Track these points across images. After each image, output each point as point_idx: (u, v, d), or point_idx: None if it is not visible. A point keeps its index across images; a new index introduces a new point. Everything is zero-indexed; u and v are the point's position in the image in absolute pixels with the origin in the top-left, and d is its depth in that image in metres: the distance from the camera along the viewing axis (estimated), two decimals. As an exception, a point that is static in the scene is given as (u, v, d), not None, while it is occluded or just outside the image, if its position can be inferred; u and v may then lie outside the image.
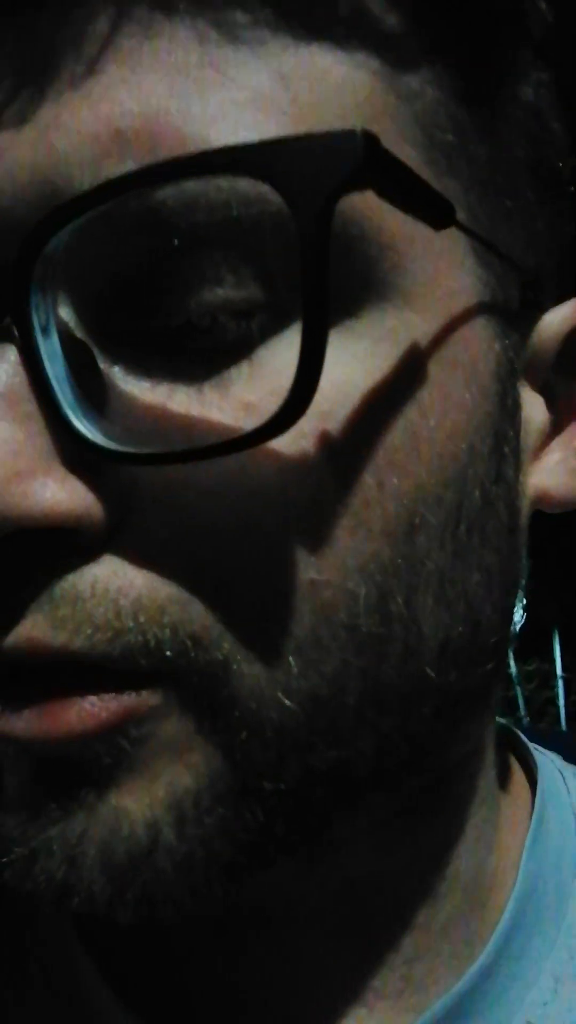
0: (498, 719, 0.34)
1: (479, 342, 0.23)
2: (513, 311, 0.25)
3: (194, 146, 0.20)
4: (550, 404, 0.27)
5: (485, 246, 0.23)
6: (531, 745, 0.34)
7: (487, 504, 0.24)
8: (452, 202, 0.22)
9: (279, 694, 0.21)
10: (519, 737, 0.34)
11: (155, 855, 0.21)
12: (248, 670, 0.21)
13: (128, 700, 0.21)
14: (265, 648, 0.21)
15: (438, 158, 0.23)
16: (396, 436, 0.21)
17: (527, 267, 0.25)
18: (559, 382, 0.27)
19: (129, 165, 0.20)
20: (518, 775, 0.33)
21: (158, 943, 0.28)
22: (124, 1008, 0.28)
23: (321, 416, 0.20)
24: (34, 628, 0.20)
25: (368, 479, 0.21)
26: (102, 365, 0.21)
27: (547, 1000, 0.28)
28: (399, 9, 0.22)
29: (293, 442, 0.20)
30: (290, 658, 0.21)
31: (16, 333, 0.20)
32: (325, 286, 0.19)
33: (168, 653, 0.20)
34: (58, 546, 0.20)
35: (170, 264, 0.20)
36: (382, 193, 0.19)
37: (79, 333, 0.21)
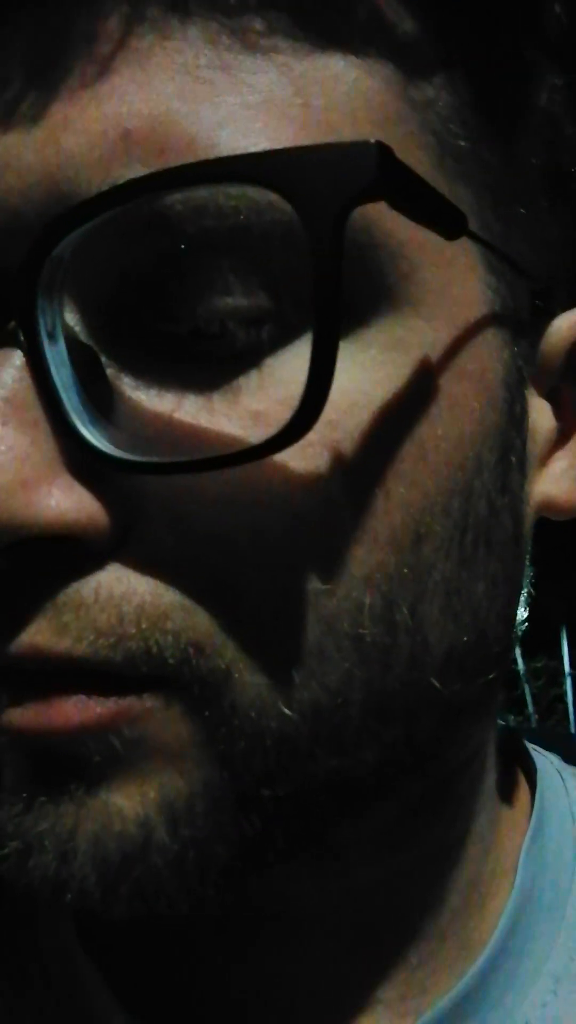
0: (499, 720, 0.34)
1: (488, 351, 0.23)
2: (523, 319, 0.25)
3: (203, 149, 0.19)
4: (557, 411, 0.26)
5: (496, 254, 0.23)
6: (531, 747, 0.34)
7: (493, 514, 0.23)
8: (463, 209, 0.22)
9: (280, 704, 0.21)
10: (519, 739, 0.34)
11: (148, 852, 0.21)
12: (250, 679, 0.21)
13: (125, 701, 0.21)
14: (268, 657, 0.21)
15: (450, 164, 0.22)
16: (404, 446, 0.21)
17: (538, 274, 0.25)
18: (566, 389, 0.27)
19: (137, 168, 0.19)
20: (518, 777, 0.33)
21: (159, 944, 0.28)
22: (124, 1009, 0.28)
23: (329, 425, 0.20)
24: (37, 634, 0.20)
25: (375, 489, 0.21)
26: (109, 371, 0.21)
27: (547, 1001, 0.28)
28: (415, 16, 0.22)
29: (300, 451, 0.20)
30: (293, 668, 0.21)
31: (22, 338, 0.20)
32: (337, 298, 0.18)
33: (170, 660, 0.20)
34: (63, 553, 0.20)
35: (178, 269, 0.20)
36: (395, 204, 0.19)
37: (86, 338, 0.21)
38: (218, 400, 0.20)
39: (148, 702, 0.21)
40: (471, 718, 0.26)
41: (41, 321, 0.20)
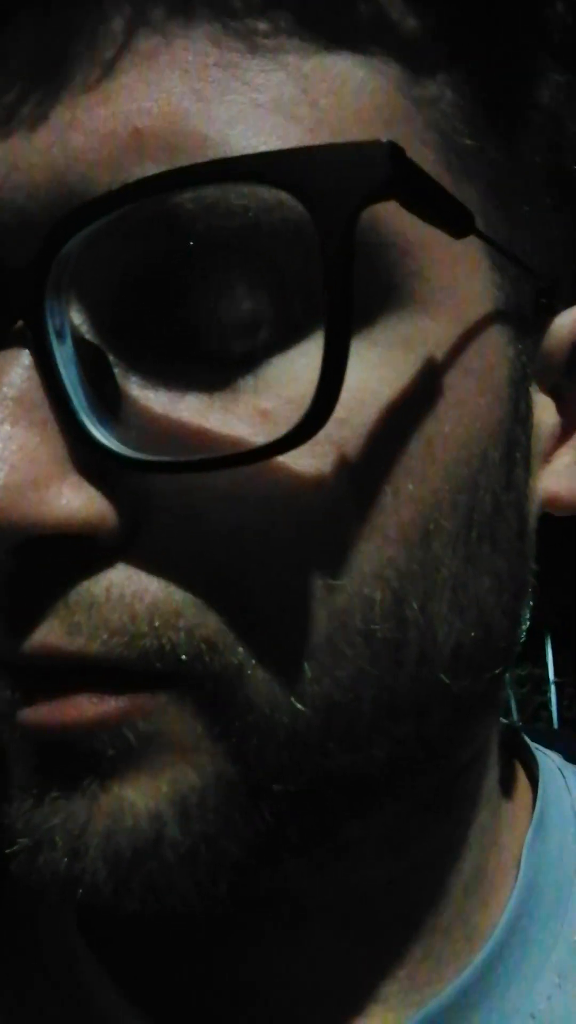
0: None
1: (494, 348, 0.23)
2: (527, 316, 0.25)
3: (214, 148, 0.19)
4: (560, 407, 0.27)
5: (501, 252, 0.23)
6: (532, 745, 0.34)
7: (498, 510, 0.23)
8: (469, 207, 0.22)
9: (292, 699, 0.21)
10: (521, 737, 0.34)
11: (159, 847, 0.21)
12: (262, 675, 0.21)
13: (139, 697, 0.21)
14: (280, 653, 0.21)
15: (456, 163, 0.22)
16: (411, 443, 0.21)
17: (542, 272, 0.25)
18: (569, 385, 0.27)
19: (148, 166, 0.19)
20: (519, 774, 0.33)
21: (163, 939, 0.28)
22: (129, 1004, 0.28)
23: (337, 423, 0.20)
24: (50, 633, 0.20)
25: (384, 485, 0.21)
26: (116, 370, 0.21)
27: (551, 994, 0.28)
28: (419, 15, 0.22)
29: (309, 449, 0.20)
30: (305, 663, 0.21)
31: (30, 337, 0.20)
32: (349, 298, 0.18)
33: (183, 657, 0.20)
34: (73, 552, 0.20)
35: (186, 267, 0.20)
36: (405, 203, 0.19)
37: (93, 337, 0.21)
38: (226, 399, 0.20)
39: (161, 697, 0.21)
40: (478, 713, 0.26)
41: (49, 320, 0.19)
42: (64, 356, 0.20)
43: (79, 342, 0.20)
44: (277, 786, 0.21)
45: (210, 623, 0.20)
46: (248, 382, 0.20)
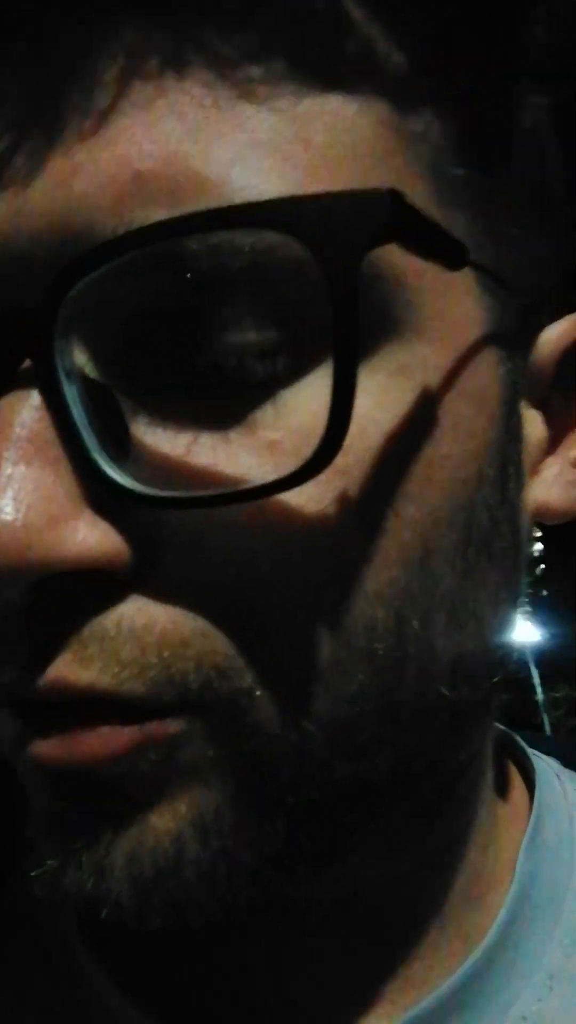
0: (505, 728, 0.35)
1: (486, 369, 0.24)
2: (516, 334, 0.25)
3: (215, 189, 0.20)
4: (548, 419, 0.27)
5: (491, 276, 0.24)
6: (529, 750, 0.35)
7: (494, 525, 0.24)
8: (460, 235, 0.22)
9: (300, 719, 0.21)
10: (518, 742, 0.35)
11: (180, 866, 0.21)
12: (271, 698, 0.21)
13: (150, 727, 0.21)
14: (287, 676, 0.21)
15: (446, 192, 0.23)
16: (411, 466, 0.22)
17: (528, 290, 0.26)
18: (556, 397, 0.27)
19: (151, 209, 0.20)
20: (516, 778, 0.34)
21: (163, 940, 0.29)
22: (130, 1005, 0.29)
23: (342, 452, 0.20)
24: (62, 667, 0.21)
25: (385, 509, 0.22)
26: (125, 407, 0.21)
27: (542, 996, 0.28)
28: (404, 49, 0.22)
29: (316, 479, 0.20)
30: (311, 685, 0.21)
31: (40, 377, 0.20)
32: (355, 337, 0.19)
33: (192, 686, 0.21)
34: (87, 587, 0.21)
35: (192, 307, 0.20)
36: (405, 245, 0.20)
37: (101, 376, 0.21)
38: (234, 433, 0.21)
39: (173, 725, 0.21)
40: (476, 721, 0.27)
41: (58, 361, 0.20)
42: (73, 395, 0.20)
43: (87, 381, 0.21)
44: (289, 799, 0.22)
45: (219, 651, 0.21)
46: (256, 414, 0.21)
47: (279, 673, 0.21)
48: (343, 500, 0.21)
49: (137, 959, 0.29)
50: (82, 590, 0.21)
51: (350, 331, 0.19)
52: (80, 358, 0.21)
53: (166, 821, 0.21)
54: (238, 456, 0.21)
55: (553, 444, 0.27)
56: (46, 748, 0.21)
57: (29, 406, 0.20)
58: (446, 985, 0.27)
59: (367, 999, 0.28)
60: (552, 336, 0.27)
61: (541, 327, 0.27)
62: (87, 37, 0.21)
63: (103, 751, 0.21)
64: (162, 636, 0.21)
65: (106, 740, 0.21)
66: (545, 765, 0.34)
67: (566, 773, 0.34)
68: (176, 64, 0.21)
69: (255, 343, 0.20)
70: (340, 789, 0.23)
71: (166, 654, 0.21)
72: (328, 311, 0.19)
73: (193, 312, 0.20)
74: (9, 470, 0.20)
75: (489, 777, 0.31)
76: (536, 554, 0.29)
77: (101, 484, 0.20)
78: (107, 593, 0.21)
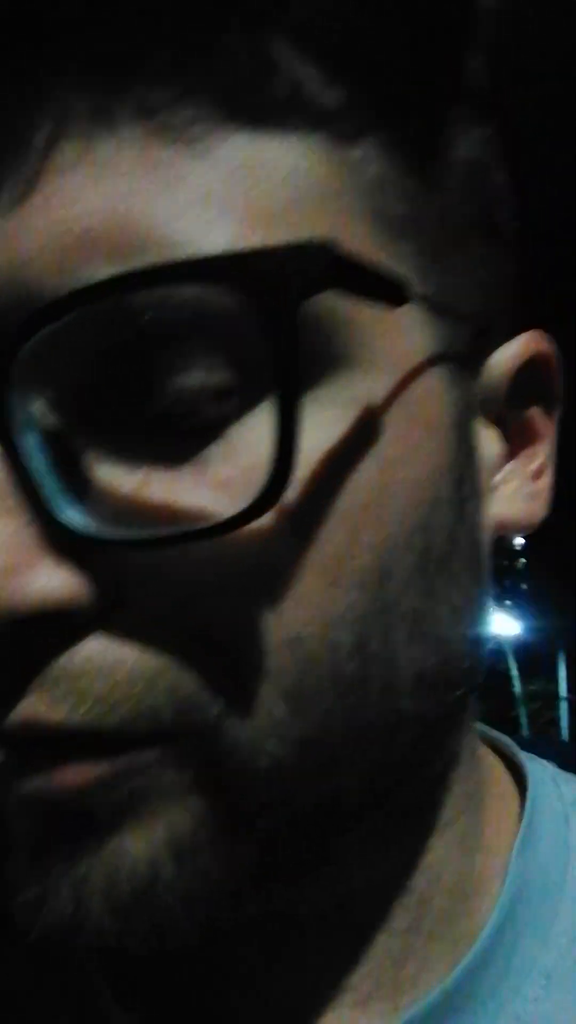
0: (493, 732, 0.36)
1: (435, 395, 0.25)
2: (465, 358, 0.26)
3: (158, 244, 0.21)
4: (503, 435, 0.28)
5: (437, 306, 0.25)
6: (523, 753, 0.35)
7: (452, 543, 0.25)
8: (403, 267, 0.23)
9: (270, 743, 0.22)
10: (510, 746, 0.35)
11: (157, 888, 0.22)
12: (240, 725, 0.22)
13: (124, 760, 0.22)
14: (255, 703, 0.22)
15: (388, 226, 0.24)
16: (364, 494, 0.23)
17: (477, 315, 0.26)
18: (511, 413, 0.28)
19: (97, 265, 0.20)
20: (506, 783, 0.34)
21: (158, 956, 0.29)
22: (121, 1010, 0.29)
23: (295, 484, 0.21)
24: (33, 706, 0.21)
25: (341, 537, 0.22)
26: (82, 454, 0.22)
27: (537, 997, 0.28)
28: (335, 85, 0.23)
29: (271, 513, 0.21)
30: (279, 708, 0.22)
31: None
32: (296, 380, 0.20)
33: (165, 718, 0.22)
34: (52, 628, 0.21)
35: (142, 354, 0.21)
36: (342, 291, 0.21)
37: (57, 423, 0.22)
38: (188, 472, 0.22)
39: (147, 755, 0.22)
40: (444, 733, 0.27)
41: (13, 415, 0.21)
42: (31, 445, 0.21)
43: (44, 430, 0.21)
44: (261, 820, 0.23)
45: (188, 683, 0.22)
46: (209, 455, 0.22)
47: (247, 700, 0.22)
48: (300, 531, 0.22)
49: (128, 966, 0.30)
50: (48, 631, 0.21)
51: (290, 374, 0.20)
52: (38, 407, 0.22)
53: (142, 845, 0.22)
54: (191, 495, 0.21)
55: (511, 459, 0.28)
56: (27, 784, 0.22)
57: None
58: (440, 987, 0.28)
59: (360, 1004, 0.28)
60: (504, 356, 0.27)
61: (492, 348, 0.27)
62: (18, 99, 0.21)
63: (79, 783, 0.22)
64: (131, 672, 0.21)
65: (82, 773, 0.22)
66: (540, 767, 0.34)
67: (563, 775, 0.35)
68: (105, 120, 0.21)
69: (205, 386, 0.21)
70: (311, 808, 0.23)
71: (137, 689, 0.21)
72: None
73: (143, 360, 0.21)
74: None
75: (473, 783, 0.31)
76: (516, 548, 0.29)
77: (61, 530, 0.21)
78: (73, 633, 0.22)
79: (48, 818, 0.22)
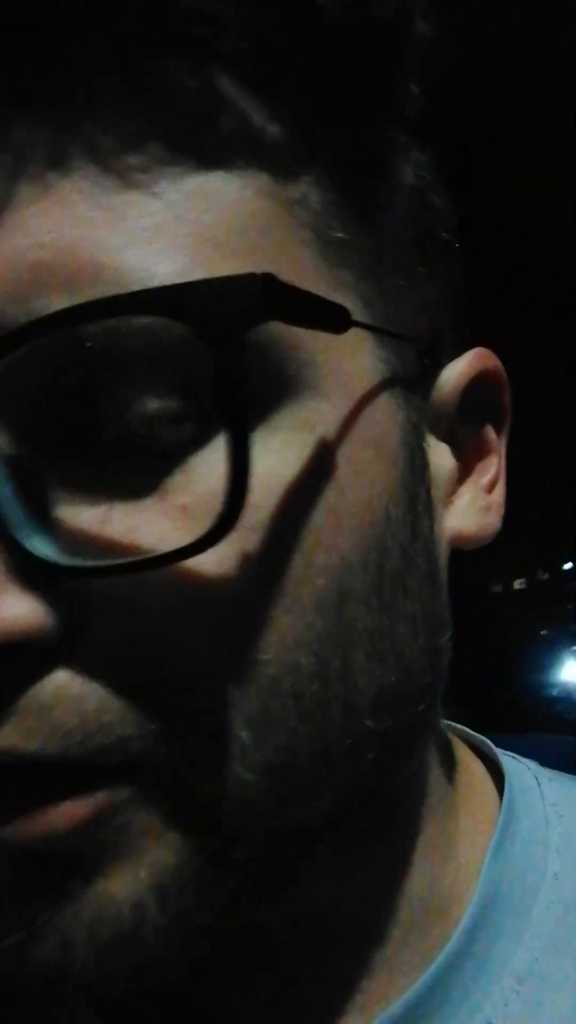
0: (474, 733, 0.36)
1: (384, 416, 0.25)
2: (413, 377, 0.27)
3: (109, 274, 0.21)
4: (455, 450, 0.29)
5: (381, 330, 0.25)
6: (506, 755, 0.35)
7: (407, 560, 0.25)
8: (347, 293, 0.24)
9: (239, 769, 0.22)
10: (488, 746, 0.36)
11: (142, 931, 0.22)
12: (209, 754, 0.22)
13: (103, 797, 0.22)
14: (222, 731, 0.22)
15: (330, 254, 0.24)
16: (318, 516, 0.23)
17: (422, 334, 0.27)
18: (462, 429, 0.29)
19: (49, 297, 0.21)
20: (486, 786, 0.34)
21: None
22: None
23: (250, 509, 0.21)
24: (7, 738, 0.21)
25: (297, 559, 0.23)
26: (44, 483, 0.22)
27: (509, 1000, 0.28)
28: (278, 120, 0.23)
29: (227, 539, 0.21)
30: (244, 735, 0.22)
31: None
32: (242, 408, 0.20)
33: (134, 749, 0.22)
34: (17, 659, 0.21)
35: (98, 383, 0.21)
36: (283, 320, 0.21)
37: (18, 452, 0.22)
38: (147, 500, 0.22)
39: (124, 792, 0.22)
40: (409, 747, 0.27)
41: None
42: None
43: (7, 458, 0.22)
44: (238, 852, 0.23)
45: (155, 714, 0.22)
46: (166, 481, 0.22)
47: (214, 729, 0.22)
48: (256, 555, 0.22)
49: (117, 1001, 0.30)
50: (16, 661, 0.21)
51: (236, 402, 0.20)
52: (2, 438, 0.22)
53: (127, 888, 0.22)
54: (152, 523, 0.22)
55: (464, 473, 0.29)
56: (9, 831, 0.22)
57: None
58: (410, 992, 0.28)
59: (332, 1013, 0.28)
60: (452, 373, 0.28)
61: (440, 367, 0.28)
62: None
63: (61, 825, 0.22)
64: (100, 704, 0.21)
65: (63, 816, 0.22)
66: (521, 767, 0.35)
67: (546, 773, 0.35)
68: (60, 160, 0.22)
69: (158, 413, 0.21)
70: (286, 830, 0.23)
71: (106, 719, 0.21)
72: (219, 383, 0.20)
73: (99, 389, 0.21)
74: None
75: (441, 790, 0.31)
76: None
77: (23, 558, 0.21)
78: (41, 663, 0.22)
79: (31, 864, 0.22)
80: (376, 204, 0.26)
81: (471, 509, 0.28)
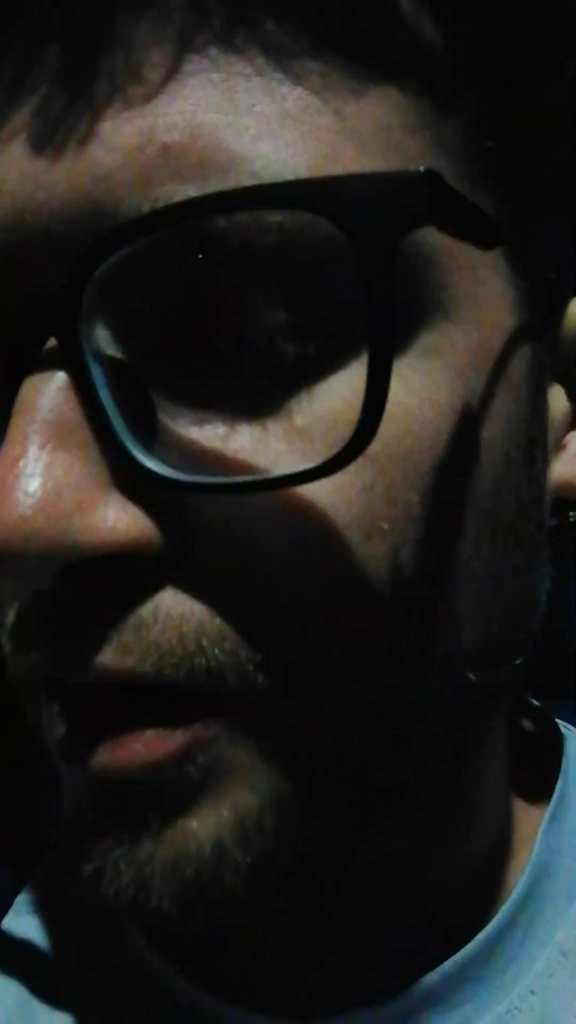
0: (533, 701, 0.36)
1: (515, 349, 0.24)
2: (542, 311, 0.25)
3: (244, 163, 0.19)
4: (569, 392, 0.27)
5: (519, 255, 0.24)
6: (563, 724, 0.35)
7: (520, 507, 0.24)
8: (492, 212, 0.22)
9: (335, 711, 0.21)
10: (548, 716, 0.35)
11: (222, 871, 0.22)
12: (308, 691, 0.21)
13: (192, 731, 0.21)
14: (323, 668, 0.21)
15: (475, 175, 0.23)
16: (439, 451, 0.22)
17: (554, 266, 0.25)
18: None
19: (177, 183, 0.19)
20: (543, 755, 0.33)
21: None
22: (174, 970, 0.29)
23: (377, 438, 0.20)
24: (101, 655, 0.20)
25: (413, 496, 0.21)
26: (151, 391, 0.21)
27: (553, 972, 0.28)
28: (441, 29, 0.22)
29: (349, 467, 0.20)
30: (346, 678, 0.21)
31: (66, 359, 0.20)
32: (392, 325, 0.19)
33: (231, 677, 0.21)
34: (119, 574, 0.20)
35: (219, 286, 0.20)
36: (442, 227, 0.19)
37: (127, 359, 0.21)
38: (263, 419, 0.20)
39: (215, 726, 0.21)
40: (498, 703, 0.27)
41: (85, 343, 0.19)
42: (100, 378, 0.20)
43: (113, 363, 0.20)
44: (326, 799, 0.22)
45: (256, 644, 0.21)
46: (292, 403, 0.20)
47: (314, 667, 0.21)
48: (372, 488, 0.21)
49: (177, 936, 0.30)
50: (114, 577, 0.20)
51: (386, 317, 0.19)
52: (105, 340, 0.20)
53: (208, 827, 0.21)
54: (268, 443, 0.20)
55: (575, 418, 0.27)
56: (95, 758, 0.21)
57: (54, 388, 0.20)
58: (458, 956, 0.28)
59: (380, 969, 0.28)
60: (575, 311, 0.26)
61: (566, 303, 0.26)
62: (138, 6, 0.20)
63: (150, 757, 0.21)
64: (198, 628, 0.20)
65: (152, 746, 0.21)
66: (573, 734, 0.34)
67: None
68: (226, 42, 0.20)
69: (284, 326, 0.20)
70: (375, 786, 0.23)
71: (204, 643, 0.20)
72: (362, 295, 0.18)
73: (223, 294, 0.20)
74: (36, 454, 0.19)
75: (506, 754, 0.31)
76: None
77: (131, 469, 0.20)
78: (141, 581, 0.21)
79: (113, 797, 0.22)
80: (526, 124, 0.24)
81: None
